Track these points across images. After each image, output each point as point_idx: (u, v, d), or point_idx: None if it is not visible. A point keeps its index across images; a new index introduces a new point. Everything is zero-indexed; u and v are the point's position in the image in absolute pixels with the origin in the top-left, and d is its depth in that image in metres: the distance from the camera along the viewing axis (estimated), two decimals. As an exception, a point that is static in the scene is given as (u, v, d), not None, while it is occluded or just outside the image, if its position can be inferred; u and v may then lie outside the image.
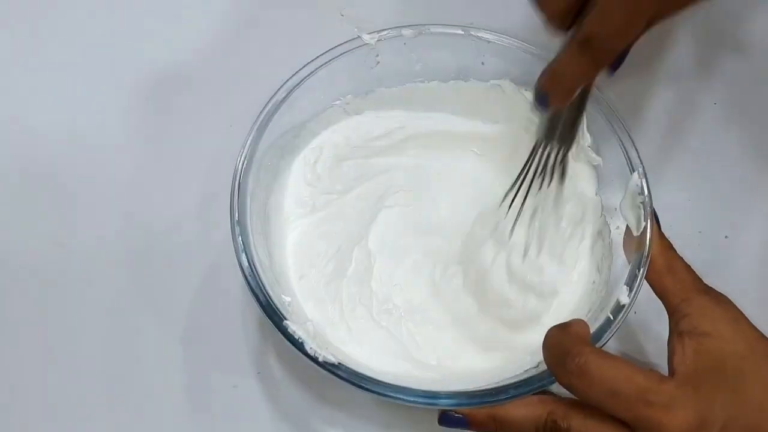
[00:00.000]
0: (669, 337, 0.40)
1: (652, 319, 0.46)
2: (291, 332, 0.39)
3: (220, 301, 0.49)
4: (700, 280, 0.41)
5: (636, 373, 0.35)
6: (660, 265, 0.41)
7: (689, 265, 0.42)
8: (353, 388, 0.38)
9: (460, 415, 0.39)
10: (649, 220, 0.42)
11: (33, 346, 0.48)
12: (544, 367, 0.39)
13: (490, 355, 0.45)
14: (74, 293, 0.50)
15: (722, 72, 0.58)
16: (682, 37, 0.60)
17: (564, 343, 0.37)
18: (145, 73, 0.57)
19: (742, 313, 0.40)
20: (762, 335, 0.39)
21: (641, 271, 0.41)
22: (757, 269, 0.51)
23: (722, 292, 0.41)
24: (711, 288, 0.41)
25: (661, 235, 0.43)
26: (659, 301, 0.42)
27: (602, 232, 0.46)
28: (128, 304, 0.49)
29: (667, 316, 0.41)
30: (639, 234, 0.42)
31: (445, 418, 0.39)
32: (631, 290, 0.41)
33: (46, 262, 0.50)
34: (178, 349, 0.48)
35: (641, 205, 0.42)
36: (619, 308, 0.41)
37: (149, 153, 0.54)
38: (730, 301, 0.40)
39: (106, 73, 0.57)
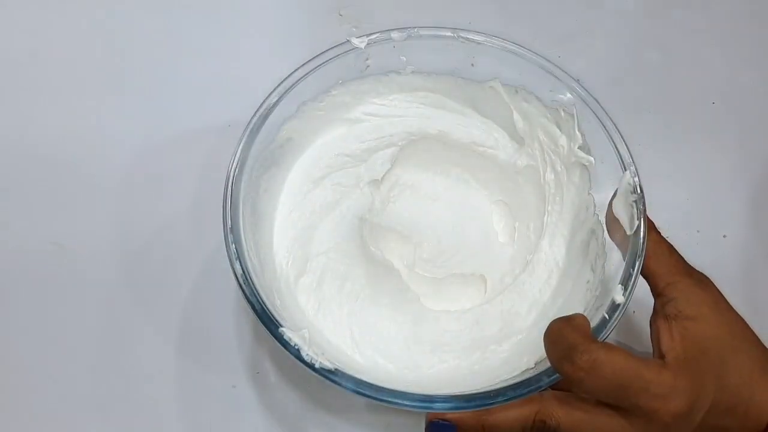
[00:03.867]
0: (653, 316, 0.41)
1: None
2: (287, 339, 0.39)
3: (217, 301, 0.50)
4: (683, 261, 0.42)
5: (641, 366, 0.37)
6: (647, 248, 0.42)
7: (672, 246, 0.42)
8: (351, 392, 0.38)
9: (448, 423, 0.38)
10: (642, 219, 0.42)
11: (29, 347, 0.49)
12: (541, 368, 0.39)
13: (488, 356, 0.45)
14: (70, 297, 0.50)
15: (721, 71, 0.59)
16: (679, 36, 0.60)
17: (569, 336, 0.37)
18: (142, 74, 0.57)
19: (721, 295, 0.41)
20: (738, 316, 0.41)
21: (636, 270, 0.41)
22: (756, 268, 0.52)
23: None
24: (693, 269, 0.41)
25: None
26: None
27: (595, 231, 0.46)
28: (124, 306, 0.49)
29: None
30: (632, 232, 0.42)
31: (432, 427, 0.38)
32: (626, 289, 0.41)
33: (42, 264, 0.50)
34: (175, 350, 0.48)
35: (633, 204, 0.42)
36: (614, 307, 0.40)
37: (146, 154, 0.54)
38: (711, 283, 0.41)
39: (103, 73, 0.57)
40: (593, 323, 0.40)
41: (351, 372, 0.39)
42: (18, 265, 0.50)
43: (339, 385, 0.38)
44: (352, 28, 0.50)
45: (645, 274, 0.42)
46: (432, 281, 0.48)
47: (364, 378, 0.39)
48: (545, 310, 0.46)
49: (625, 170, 0.44)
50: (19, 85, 0.57)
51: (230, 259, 0.41)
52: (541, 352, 0.39)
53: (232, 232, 0.42)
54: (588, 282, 0.45)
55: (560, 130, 0.48)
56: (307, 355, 0.38)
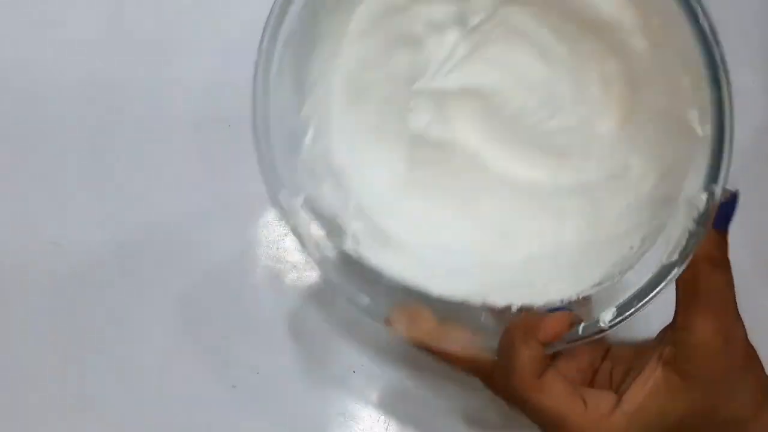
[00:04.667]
0: (655, 341, 0.37)
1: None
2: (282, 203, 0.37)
3: (216, 301, 0.50)
4: (730, 307, 0.35)
5: (570, 414, 0.35)
6: (688, 273, 0.34)
7: (730, 284, 0.35)
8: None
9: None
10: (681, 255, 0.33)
11: (28, 348, 0.50)
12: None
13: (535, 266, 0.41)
14: (69, 297, 0.50)
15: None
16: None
17: (515, 357, 0.35)
18: (142, 74, 0.52)
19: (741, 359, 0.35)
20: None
21: (633, 310, 0.34)
22: (756, 269, 0.50)
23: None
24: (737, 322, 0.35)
25: (718, 234, 0.35)
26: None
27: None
28: (123, 306, 0.50)
29: None
30: (667, 260, 0.34)
31: None
32: (617, 316, 0.35)
33: (42, 262, 0.50)
34: (175, 350, 0.49)
35: (687, 234, 0.33)
36: (595, 329, 0.35)
37: (146, 154, 0.52)
38: (739, 339, 0.35)
39: (102, 71, 0.53)
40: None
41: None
42: (18, 265, 0.50)
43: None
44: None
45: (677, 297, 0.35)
46: (506, 142, 0.43)
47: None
48: (597, 228, 0.41)
49: (711, 185, 0.33)
50: (19, 85, 0.52)
51: (254, 98, 0.38)
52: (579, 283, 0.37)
53: (266, 51, 0.38)
54: (631, 248, 0.38)
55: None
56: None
